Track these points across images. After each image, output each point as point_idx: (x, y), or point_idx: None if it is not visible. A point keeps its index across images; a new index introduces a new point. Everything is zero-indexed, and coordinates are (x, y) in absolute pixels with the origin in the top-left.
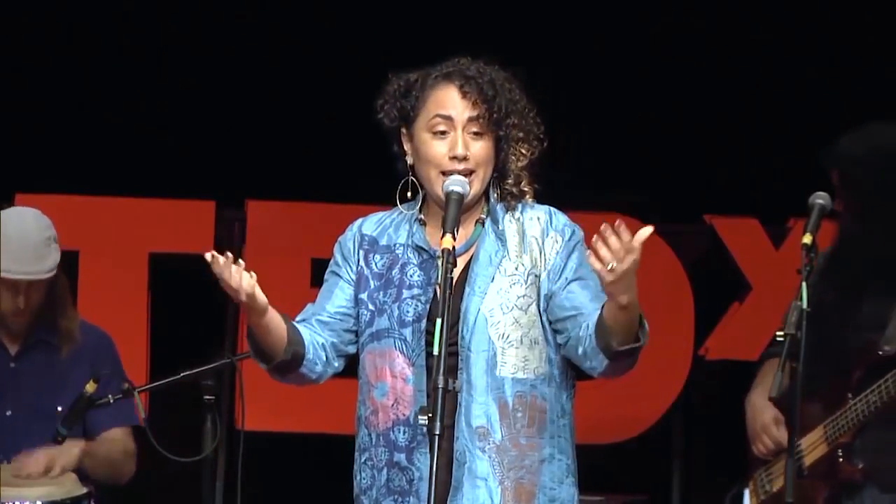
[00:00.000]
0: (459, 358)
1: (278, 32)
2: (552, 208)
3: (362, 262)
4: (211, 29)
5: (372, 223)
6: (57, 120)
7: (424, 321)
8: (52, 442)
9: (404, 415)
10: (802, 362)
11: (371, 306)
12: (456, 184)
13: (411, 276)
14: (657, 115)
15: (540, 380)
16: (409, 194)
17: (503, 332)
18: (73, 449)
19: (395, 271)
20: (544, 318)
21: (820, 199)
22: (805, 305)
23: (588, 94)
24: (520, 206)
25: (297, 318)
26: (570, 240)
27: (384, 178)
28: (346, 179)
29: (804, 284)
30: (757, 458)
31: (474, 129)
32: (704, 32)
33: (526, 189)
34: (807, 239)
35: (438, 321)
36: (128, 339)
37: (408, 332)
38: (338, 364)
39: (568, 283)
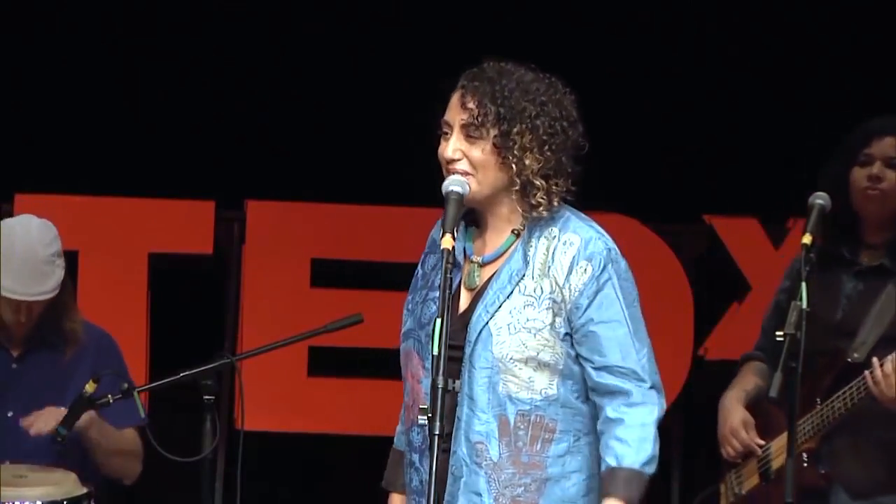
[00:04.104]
0: (462, 368)
1: (278, 32)
2: (595, 233)
3: (419, 265)
4: (211, 29)
5: (440, 224)
6: (57, 120)
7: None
8: (52, 442)
9: (418, 416)
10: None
11: (410, 306)
12: (455, 183)
13: (439, 278)
14: (657, 114)
15: (548, 402)
16: None
17: (506, 353)
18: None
19: (433, 273)
20: (566, 345)
21: (820, 199)
22: (805, 305)
23: (587, 94)
24: (561, 223)
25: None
26: (601, 273)
27: (384, 178)
28: (346, 179)
29: (804, 284)
30: (727, 460)
31: (470, 133)
32: (704, 33)
33: (541, 200)
34: (807, 239)
35: (438, 321)
36: (128, 339)
37: (423, 333)
38: None
39: (593, 324)
